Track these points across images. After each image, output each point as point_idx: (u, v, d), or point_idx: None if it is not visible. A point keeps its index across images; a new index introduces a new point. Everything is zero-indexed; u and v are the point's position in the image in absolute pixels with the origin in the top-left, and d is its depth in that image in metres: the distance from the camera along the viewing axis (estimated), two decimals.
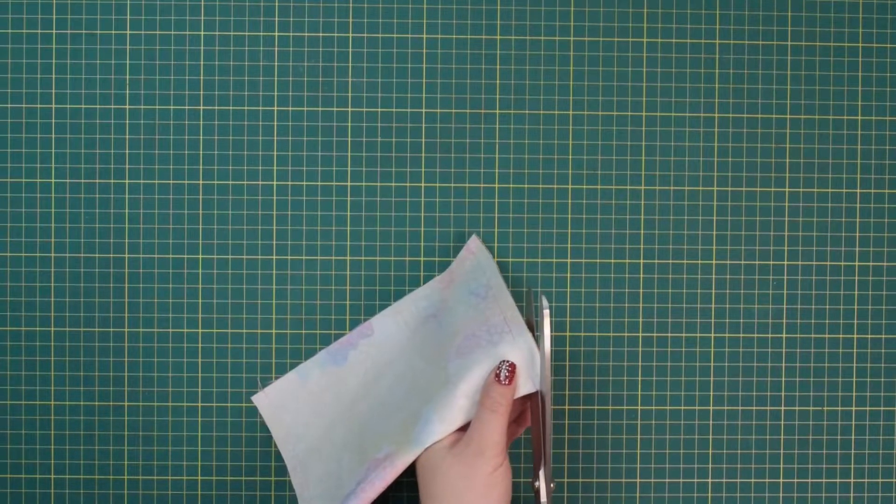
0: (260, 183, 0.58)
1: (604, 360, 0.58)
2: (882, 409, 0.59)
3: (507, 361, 0.50)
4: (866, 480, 0.59)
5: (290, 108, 0.59)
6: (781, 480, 0.59)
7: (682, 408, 0.59)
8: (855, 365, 0.59)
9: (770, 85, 0.59)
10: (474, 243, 0.57)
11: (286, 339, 0.58)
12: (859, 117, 0.59)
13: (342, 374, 0.58)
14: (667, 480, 0.59)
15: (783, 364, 0.59)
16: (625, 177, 0.59)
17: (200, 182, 0.58)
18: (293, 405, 0.57)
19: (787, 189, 0.59)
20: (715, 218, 0.59)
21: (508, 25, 0.59)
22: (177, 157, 0.58)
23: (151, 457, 0.58)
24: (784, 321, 0.59)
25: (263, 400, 0.57)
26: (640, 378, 0.59)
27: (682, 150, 0.59)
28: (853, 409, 0.58)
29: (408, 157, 0.59)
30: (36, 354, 0.58)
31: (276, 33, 0.59)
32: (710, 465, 0.59)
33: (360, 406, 0.57)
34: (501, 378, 0.49)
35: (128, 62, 0.58)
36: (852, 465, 0.59)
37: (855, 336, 0.59)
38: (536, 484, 0.50)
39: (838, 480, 0.59)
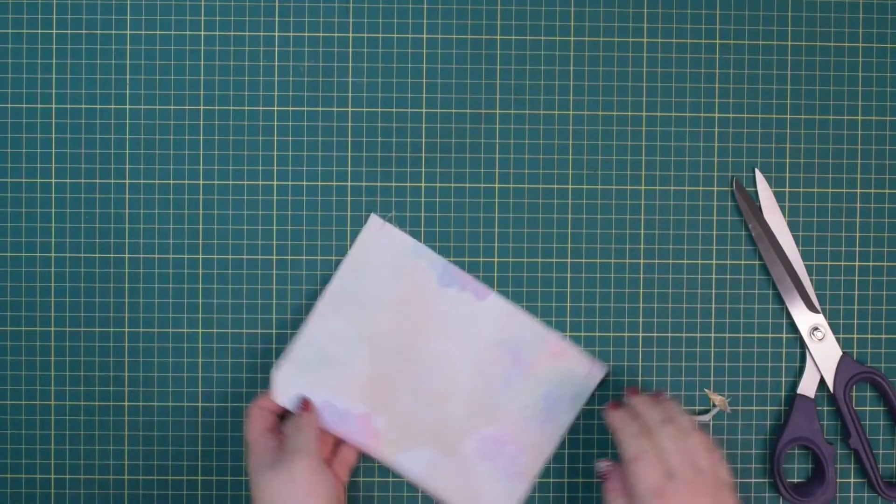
0: (260, 183, 0.58)
1: (604, 360, 0.58)
2: (882, 409, 0.59)
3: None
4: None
5: (290, 108, 0.59)
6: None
7: (683, 408, 0.59)
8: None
9: (770, 85, 0.59)
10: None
11: (286, 339, 0.58)
12: (859, 117, 0.59)
13: (433, 288, 0.57)
14: None
15: (783, 364, 0.59)
16: (625, 177, 0.59)
17: (200, 182, 0.58)
18: (384, 255, 0.57)
19: (787, 189, 0.59)
20: (715, 218, 0.59)
21: (508, 25, 0.59)
22: (177, 157, 0.58)
23: (151, 457, 0.58)
24: (784, 321, 0.59)
25: (376, 225, 0.57)
26: (640, 378, 0.59)
27: (682, 150, 0.59)
28: (855, 408, 0.58)
29: (408, 157, 0.59)
30: (36, 354, 0.58)
31: (276, 33, 0.59)
32: None
33: (406, 331, 0.57)
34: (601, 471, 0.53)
35: (128, 62, 0.59)
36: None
37: (855, 336, 0.59)
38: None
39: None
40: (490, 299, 0.57)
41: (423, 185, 0.59)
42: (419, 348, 0.57)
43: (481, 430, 0.57)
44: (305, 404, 0.55)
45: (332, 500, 0.52)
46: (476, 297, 0.57)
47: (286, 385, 0.56)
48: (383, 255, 0.57)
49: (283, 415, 0.56)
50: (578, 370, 0.57)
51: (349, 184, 0.59)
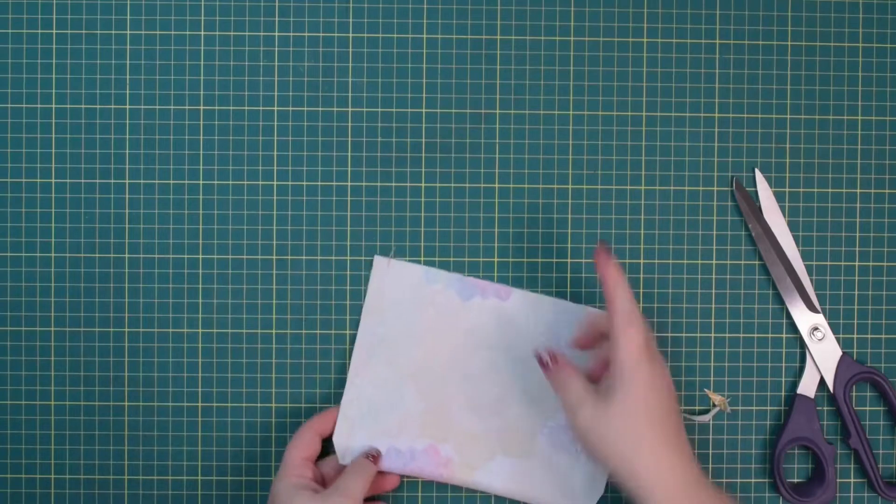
0: (260, 183, 0.58)
1: None
2: (882, 409, 0.59)
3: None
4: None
5: (290, 108, 0.59)
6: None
7: (683, 407, 0.59)
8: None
9: (770, 85, 0.59)
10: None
11: (286, 339, 0.58)
12: (859, 117, 0.59)
13: (456, 306, 0.57)
14: None
15: (783, 364, 0.59)
16: (625, 177, 0.59)
17: (200, 182, 0.58)
18: (400, 291, 0.57)
19: (787, 189, 0.59)
20: (715, 218, 0.59)
21: (508, 25, 0.59)
22: (177, 157, 0.58)
23: (151, 457, 0.58)
24: (784, 321, 0.59)
25: (382, 266, 0.57)
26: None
27: (682, 150, 0.59)
28: (855, 408, 0.58)
29: (408, 157, 0.59)
30: (36, 354, 0.58)
31: (276, 33, 0.59)
32: (710, 466, 0.59)
33: (445, 355, 0.57)
34: (543, 359, 0.52)
35: (128, 62, 0.59)
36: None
37: (855, 336, 0.59)
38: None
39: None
40: (513, 297, 0.57)
41: (423, 185, 0.59)
42: (462, 367, 0.57)
43: (548, 422, 0.56)
44: (375, 457, 0.55)
45: None
46: (500, 298, 0.57)
47: (347, 443, 0.56)
48: (399, 291, 0.57)
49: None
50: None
51: (349, 184, 0.59)
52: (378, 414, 0.56)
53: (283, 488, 0.52)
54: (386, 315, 0.57)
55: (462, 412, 0.56)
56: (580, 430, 0.50)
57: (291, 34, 0.59)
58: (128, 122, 0.58)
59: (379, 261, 0.58)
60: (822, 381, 0.58)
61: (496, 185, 0.59)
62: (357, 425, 0.56)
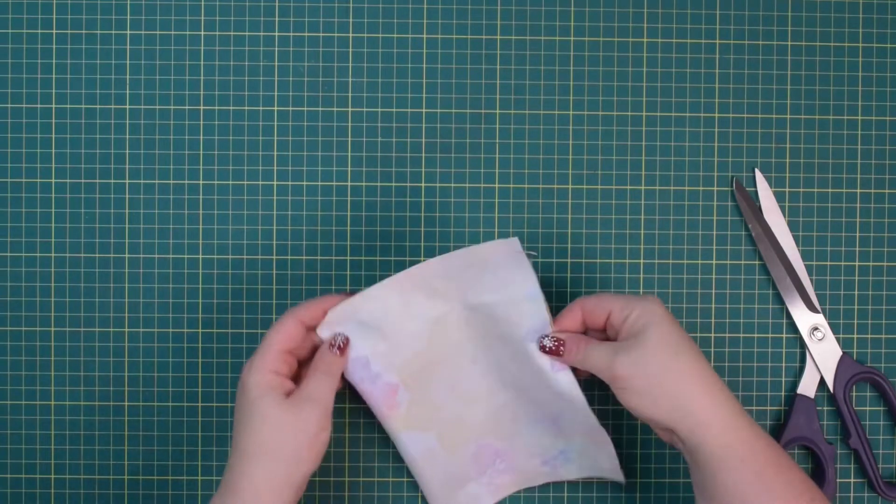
0: (260, 183, 0.58)
1: None
2: (882, 409, 0.59)
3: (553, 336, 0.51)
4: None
5: (290, 108, 0.59)
6: None
7: None
8: None
9: (770, 85, 0.59)
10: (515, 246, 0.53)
11: None
12: (859, 117, 0.59)
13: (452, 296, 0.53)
14: (666, 480, 0.59)
15: (783, 364, 0.59)
16: (625, 177, 0.59)
17: (200, 182, 0.58)
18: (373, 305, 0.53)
19: (787, 189, 0.59)
20: (715, 218, 0.59)
21: (508, 25, 0.59)
22: (177, 157, 0.58)
23: (151, 457, 0.58)
24: (784, 321, 0.59)
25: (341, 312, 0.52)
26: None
27: (682, 150, 0.59)
28: (855, 408, 0.58)
29: (408, 157, 0.59)
30: (36, 354, 0.58)
31: (276, 33, 0.59)
32: None
33: (468, 334, 0.54)
34: (547, 347, 0.51)
35: (128, 62, 0.59)
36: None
37: (855, 336, 0.59)
38: None
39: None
40: (562, 373, 0.52)
41: (423, 185, 0.59)
42: (473, 350, 0.54)
43: (487, 438, 0.56)
44: (343, 346, 0.51)
45: (322, 454, 0.50)
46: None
47: (336, 322, 0.52)
48: (385, 316, 0.53)
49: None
50: (605, 462, 0.55)
51: (349, 184, 0.59)
52: (380, 328, 0.52)
53: (253, 384, 0.49)
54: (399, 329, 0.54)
55: (441, 380, 0.54)
56: (624, 381, 0.48)
57: (291, 34, 0.59)
58: (128, 122, 0.58)
59: (338, 311, 0.53)
60: (822, 381, 0.58)
61: (496, 185, 0.59)
62: (357, 319, 0.52)
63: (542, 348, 0.51)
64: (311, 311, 0.51)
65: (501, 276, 0.51)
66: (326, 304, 0.52)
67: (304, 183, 0.59)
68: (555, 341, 0.51)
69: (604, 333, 0.52)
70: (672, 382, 0.47)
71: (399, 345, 0.53)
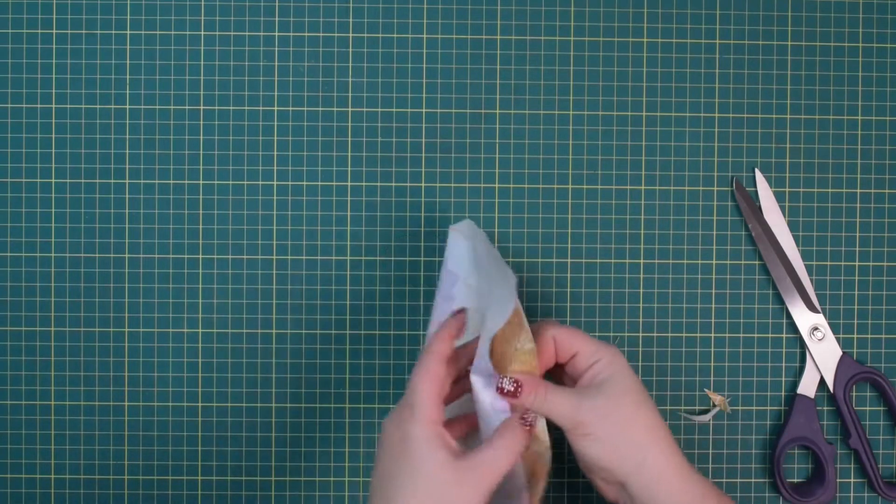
0: (260, 183, 0.59)
1: None
2: (882, 409, 0.59)
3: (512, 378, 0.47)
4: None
5: (290, 108, 0.59)
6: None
7: (682, 408, 0.59)
8: None
9: (770, 85, 0.59)
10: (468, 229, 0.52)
11: (286, 339, 0.58)
12: (859, 117, 0.59)
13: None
14: None
15: (783, 364, 0.59)
16: (625, 177, 0.59)
17: (200, 182, 0.59)
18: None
19: (787, 189, 0.59)
20: (715, 218, 0.59)
21: (508, 25, 0.59)
22: (177, 157, 0.58)
23: (151, 457, 0.58)
24: (784, 321, 0.59)
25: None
26: (640, 378, 0.59)
27: (682, 150, 0.59)
28: (855, 408, 0.58)
29: (408, 157, 0.59)
30: (36, 354, 0.58)
31: (276, 33, 0.59)
32: (710, 466, 0.59)
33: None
34: (505, 389, 0.47)
35: (128, 62, 0.59)
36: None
37: (855, 336, 0.59)
38: None
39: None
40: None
41: (423, 185, 0.59)
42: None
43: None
44: (534, 423, 0.47)
45: None
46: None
47: (484, 354, 0.46)
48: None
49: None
50: None
51: (349, 184, 0.59)
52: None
53: (421, 438, 0.44)
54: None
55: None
56: (587, 427, 0.46)
57: (291, 34, 0.59)
58: (128, 122, 0.58)
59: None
60: (822, 381, 0.58)
61: (496, 186, 0.59)
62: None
63: (500, 390, 0.47)
64: (446, 344, 0.48)
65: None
66: (451, 330, 0.49)
67: (304, 183, 0.59)
68: (513, 383, 0.47)
69: (559, 368, 0.51)
70: (635, 433, 0.47)
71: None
